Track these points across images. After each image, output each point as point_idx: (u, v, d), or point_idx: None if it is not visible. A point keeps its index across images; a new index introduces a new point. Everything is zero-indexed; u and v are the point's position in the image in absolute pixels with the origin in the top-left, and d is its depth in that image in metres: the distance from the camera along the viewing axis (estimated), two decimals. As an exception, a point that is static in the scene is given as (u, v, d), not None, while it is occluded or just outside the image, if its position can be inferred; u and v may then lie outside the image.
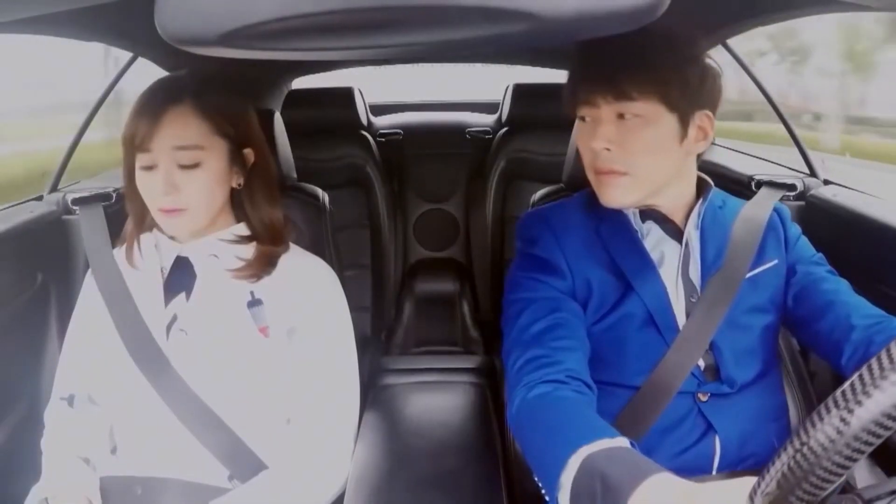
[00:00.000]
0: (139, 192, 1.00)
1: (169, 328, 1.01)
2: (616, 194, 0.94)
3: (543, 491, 0.77)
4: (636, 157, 0.92)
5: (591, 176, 0.97)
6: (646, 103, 0.90)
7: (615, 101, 0.90)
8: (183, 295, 1.03)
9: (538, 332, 0.91)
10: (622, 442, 0.71)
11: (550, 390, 0.83)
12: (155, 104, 0.97)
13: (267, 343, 1.01)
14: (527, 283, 0.97)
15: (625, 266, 0.96)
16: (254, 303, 1.02)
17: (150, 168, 0.97)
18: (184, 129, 0.97)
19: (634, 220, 0.99)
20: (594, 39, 0.87)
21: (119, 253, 1.09)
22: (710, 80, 0.94)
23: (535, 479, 0.79)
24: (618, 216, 0.99)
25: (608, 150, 0.92)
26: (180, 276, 1.04)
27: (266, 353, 1.01)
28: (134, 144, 0.97)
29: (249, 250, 1.05)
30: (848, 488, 0.48)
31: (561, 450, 0.72)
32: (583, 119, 0.96)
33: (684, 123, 0.92)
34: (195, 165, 0.98)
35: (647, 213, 0.99)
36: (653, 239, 0.99)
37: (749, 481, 0.48)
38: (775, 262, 1.00)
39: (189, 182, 0.97)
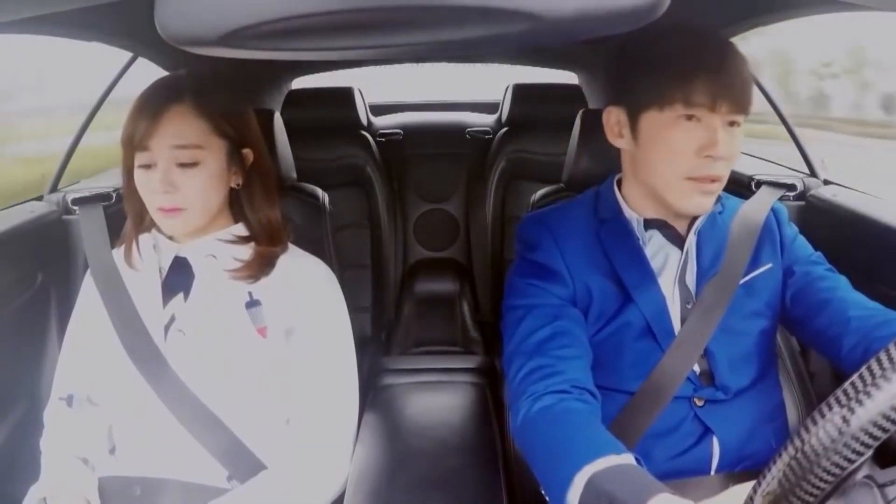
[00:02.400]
0: (138, 192, 1.00)
1: (167, 328, 1.01)
2: (708, 202, 0.92)
3: None
4: (730, 165, 0.91)
5: (679, 182, 0.91)
6: (742, 115, 0.90)
7: (732, 111, 0.88)
8: (181, 295, 1.03)
9: (540, 340, 0.90)
10: (627, 458, 0.71)
11: (555, 402, 0.82)
12: (154, 103, 0.97)
13: (265, 343, 1.01)
14: (527, 290, 0.96)
15: (624, 276, 0.95)
16: (252, 303, 1.02)
17: (148, 167, 0.98)
18: (183, 128, 0.97)
19: (638, 227, 0.98)
20: (699, 40, 0.89)
21: (118, 253, 1.08)
22: None
23: (542, 492, 0.79)
24: (619, 221, 0.98)
25: (722, 157, 0.89)
26: (178, 277, 1.04)
27: (264, 354, 1.01)
28: (133, 143, 0.97)
29: (248, 251, 1.05)
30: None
31: (567, 467, 0.72)
32: (689, 118, 0.89)
33: None
34: (194, 164, 0.97)
35: (652, 222, 0.98)
36: (654, 246, 0.97)
37: (748, 489, 0.48)
38: (769, 265, 0.98)
39: (187, 181, 0.97)
